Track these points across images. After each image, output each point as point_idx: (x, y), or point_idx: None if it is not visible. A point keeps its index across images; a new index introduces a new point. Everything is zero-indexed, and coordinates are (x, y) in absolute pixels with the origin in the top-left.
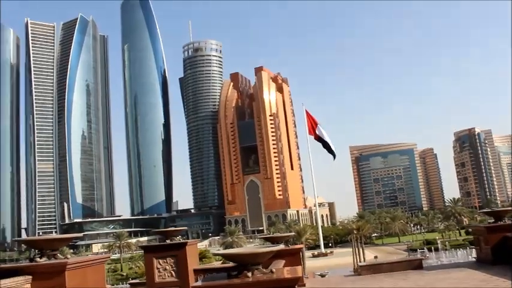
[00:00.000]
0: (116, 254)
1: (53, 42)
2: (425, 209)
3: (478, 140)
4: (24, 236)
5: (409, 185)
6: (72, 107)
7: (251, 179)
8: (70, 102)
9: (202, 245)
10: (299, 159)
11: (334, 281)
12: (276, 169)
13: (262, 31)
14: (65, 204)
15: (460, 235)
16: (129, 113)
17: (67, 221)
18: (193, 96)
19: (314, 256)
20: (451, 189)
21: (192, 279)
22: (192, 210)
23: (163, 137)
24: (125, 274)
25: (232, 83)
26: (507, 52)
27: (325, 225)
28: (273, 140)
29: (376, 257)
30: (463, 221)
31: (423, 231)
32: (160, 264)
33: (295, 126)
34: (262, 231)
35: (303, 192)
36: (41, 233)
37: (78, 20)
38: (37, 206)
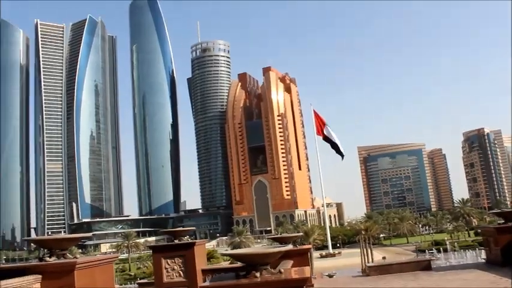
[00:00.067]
0: (124, 253)
1: (62, 43)
2: (434, 209)
3: (487, 141)
4: (33, 235)
5: (418, 186)
6: (81, 107)
7: (259, 179)
8: (79, 103)
9: (210, 245)
10: (307, 159)
11: (342, 282)
12: (284, 169)
13: (271, 31)
14: (74, 204)
15: (469, 236)
16: (137, 113)
17: (76, 221)
18: (201, 96)
19: (322, 256)
20: (459, 190)
21: (200, 279)
22: (200, 211)
23: (171, 137)
24: (133, 274)
25: (240, 83)
26: None
27: (333, 225)
28: (281, 140)
29: (384, 258)
30: (472, 221)
31: (432, 232)
32: (169, 264)
33: (303, 126)
34: (270, 231)
35: (311, 192)
36: (50, 233)
37: (87, 21)
38: (46, 206)
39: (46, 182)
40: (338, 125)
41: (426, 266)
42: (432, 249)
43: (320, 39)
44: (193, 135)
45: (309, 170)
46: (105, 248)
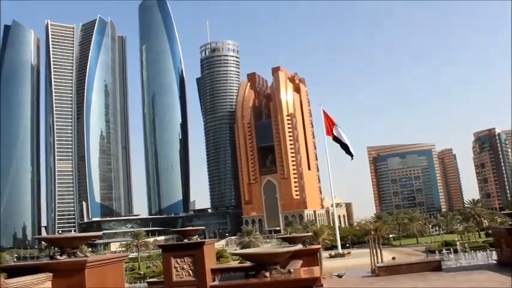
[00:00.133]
0: (133, 252)
1: (73, 43)
2: (444, 210)
3: (498, 141)
4: (44, 234)
5: (428, 186)
6: (91, 107)
7: (268, 179)
8: (89, 102)
9: (219, 244)
10: (316, 159)
11: (352, 282)
12: (293, 169)
13: (280, 31)
14: (84, 203)
15: (480, 237)
16: (146, 113)
17: (86, 220)
18: (211, 96)
19: (331, 257)
20: (470, 190)
21: (209, 278)
22: (209, 210)
23: (180, 137)
24: (142, 273)
25: (249, 83)
26: None
27: (343, 225)
28: (290, 140)
29: (394, 258)
30: (482, 222)
31: (442, 232)
32: (178, 264)
33: (312, 126)
34: (279, 231)
35: (320, 192)
36: (60, 231)
37: (96, 21)
38: (56, 205)
39: (56, 181)
40: (347, 125)
41: (436, 267)
42: (442, 250)
43: (330, 39)
44: (203, 135)
45: (318, 170)
46: (114, 247)
